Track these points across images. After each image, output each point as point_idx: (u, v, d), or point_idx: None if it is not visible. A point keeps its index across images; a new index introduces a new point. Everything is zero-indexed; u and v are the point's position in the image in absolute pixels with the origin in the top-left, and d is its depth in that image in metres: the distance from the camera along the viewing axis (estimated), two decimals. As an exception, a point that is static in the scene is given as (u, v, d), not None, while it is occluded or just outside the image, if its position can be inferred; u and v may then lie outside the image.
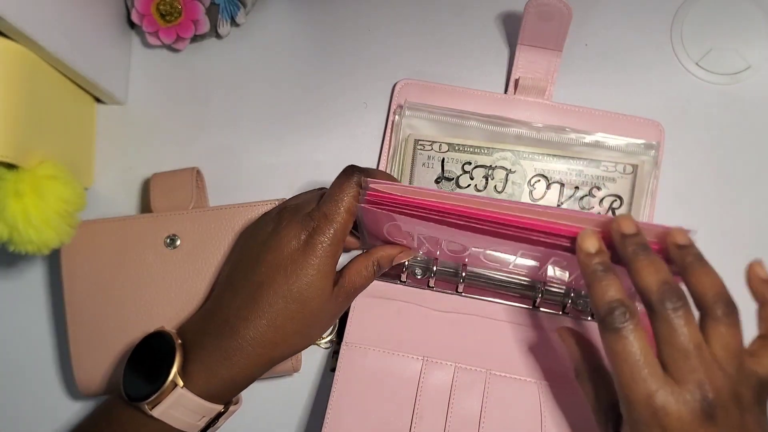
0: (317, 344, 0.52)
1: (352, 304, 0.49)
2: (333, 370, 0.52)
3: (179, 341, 0.41)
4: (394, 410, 0.46)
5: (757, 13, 0.54)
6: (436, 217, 0.39)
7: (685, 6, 0.55)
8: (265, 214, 0.47)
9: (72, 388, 0.53)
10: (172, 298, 0.48)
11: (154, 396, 0.39)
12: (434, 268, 0.49)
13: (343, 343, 0.48)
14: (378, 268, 0.45)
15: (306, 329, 0.42)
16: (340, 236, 0.41)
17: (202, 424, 0.42)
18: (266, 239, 0.42)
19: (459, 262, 0.49)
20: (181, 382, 0.40)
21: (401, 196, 0.40)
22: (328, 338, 0.52)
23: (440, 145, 0.51)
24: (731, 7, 0.54)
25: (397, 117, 0.52)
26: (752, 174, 0.53)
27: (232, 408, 0.44)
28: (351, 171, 0.42)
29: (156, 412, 0.40)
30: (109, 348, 0.48)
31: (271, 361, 0.42)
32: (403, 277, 0.50)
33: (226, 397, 0.42)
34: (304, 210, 0.42)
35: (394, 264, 0.46)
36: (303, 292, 0.41)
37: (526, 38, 0.52)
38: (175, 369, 0.40)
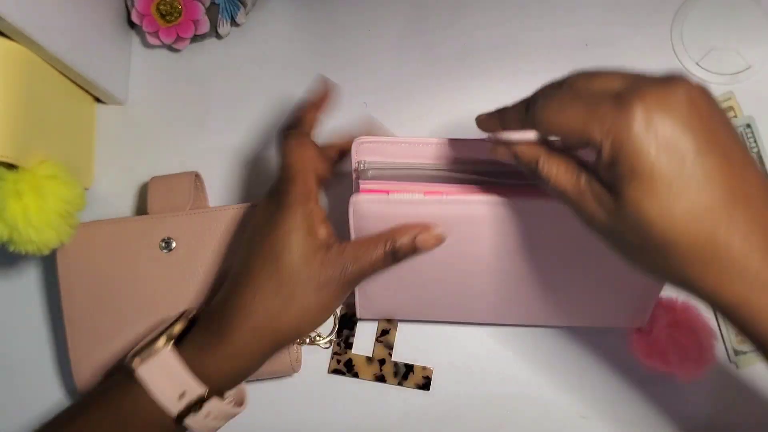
0: (317, 344, 0.52)
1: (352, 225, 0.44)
2: (333, 371, 0.52)
3: (187, 314, 0.44)
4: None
5: (757, 13, 0.54)
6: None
7: (685, 6, 0.55)
8: None
9: (71, 387, 0.53)
10: (168, 299, 0.49)
11: (144, 351, 0.41)
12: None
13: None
14: (392, 251, 0.41)
15: (282, 289, 0.40)
16: (306, 186, 0.41)
17: (181, 405, 0.40)
18: (253, 219, 0.44)
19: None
20: (166, 340, 0.41)
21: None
22: (328, 338, 0.52)
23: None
24: (731, 7, 0.54)
25: (359, 180, 0.45)
26: (752, 174, 0.53)
27: (224, 406, 0.42)
28: (283, 130, 0.44)
29: (141, 370, 0.40)
30: (107, 348, 0.48)
31: (252, 332, 0.41)
32: None
33: (212, 378, 0.41)
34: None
35: (418, 248, 0.41)
36: (274, 246, 0.41)
37: None
38: (171, 331, 0.42)
